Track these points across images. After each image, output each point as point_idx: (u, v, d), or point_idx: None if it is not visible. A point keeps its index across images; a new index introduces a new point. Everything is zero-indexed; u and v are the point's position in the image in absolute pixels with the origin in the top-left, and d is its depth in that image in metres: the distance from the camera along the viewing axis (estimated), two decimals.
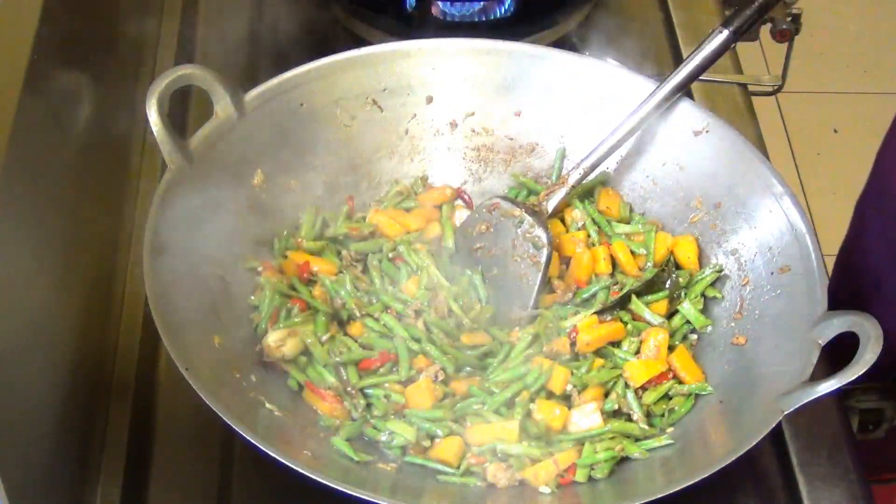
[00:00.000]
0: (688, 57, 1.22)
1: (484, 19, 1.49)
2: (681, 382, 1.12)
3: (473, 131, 1.30)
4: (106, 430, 1.14)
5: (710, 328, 1.17)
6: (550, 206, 1.22)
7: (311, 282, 1.19)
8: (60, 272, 1.07)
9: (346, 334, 1.15)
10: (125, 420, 1.15)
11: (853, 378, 0.97)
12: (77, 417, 1.09)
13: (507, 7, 1.49)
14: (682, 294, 1.19)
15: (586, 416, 1.09)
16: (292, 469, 0.95)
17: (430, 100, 1.29)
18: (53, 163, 1.07)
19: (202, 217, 1.14)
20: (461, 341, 1.15)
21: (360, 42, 1.47)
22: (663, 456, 1.07)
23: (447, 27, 1.48)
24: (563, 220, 1.26)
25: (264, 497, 1.13)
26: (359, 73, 1.25)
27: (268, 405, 1.06)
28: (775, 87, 1.53)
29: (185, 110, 1.39)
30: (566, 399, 1.12)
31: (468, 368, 1.14)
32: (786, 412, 0.99)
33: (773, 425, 0.99)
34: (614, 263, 1.22)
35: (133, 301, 1.23)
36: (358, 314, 1.15)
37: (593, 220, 1.25)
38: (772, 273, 1.14)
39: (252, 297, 1.16)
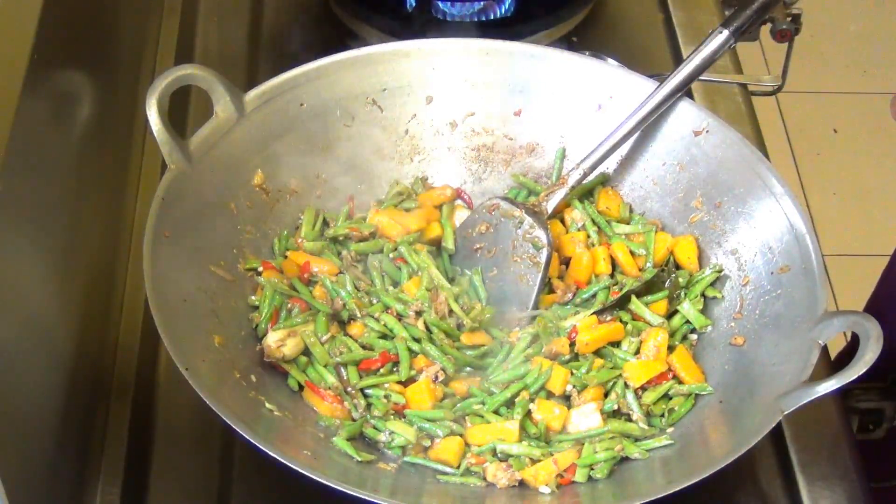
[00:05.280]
0: (688, 57, 1.22)
1: (484, 19, 1.49)
2: (681, 382, 1.12)
3: (473, 131, 1.30)
4: (106, 430, 1.14)
5: (709, 328, 1.17)
6: (550, 206, 1.22)
7: (311, 282, 1.19)
8: (60, 272, 1.07)
9: (346, 334, 1.15)
10: (125, 420, 1.15)
11: (853, 378, 0.97)
12: (77, 417, 1.09)
13: (507, 7, 1.49)
14: (682, 294, 1.19)
15: (586, 417, 1.09)
16: (292, 469, 0.95)
17: (430, 100, 1.29)
18: (53, 163, 1.07)
19: (202, 217, 1.14)
20: (461, 341, 1.15)
21: (360, 42, 1.47)
22: (663, 456, 1.07)
23: (447, 27, 1.48)
24: (562, 221, 1.26)
25: (264, 497, 1.13)
26: (359, 73, 1.25)
27: (268, 405, 1.06)
28: (775, 87, 1.53)
29: (185, 110, 1.39)
30: (566, 399, 1.12)
31: (468, 368, 1.14)
32: (786, 412, 0.99)
33: (773, 425, 0.99)
34: (614, 264, 1.22)
35: (133, 301, 1.23)
36: (358, 314, 1.15)
37: (593, 220, 1.25)
38: (772, 273, 1.14)
39: (252, 297, 1.16)
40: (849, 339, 1.64)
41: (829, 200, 2.85)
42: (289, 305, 1.15)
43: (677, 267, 1.21)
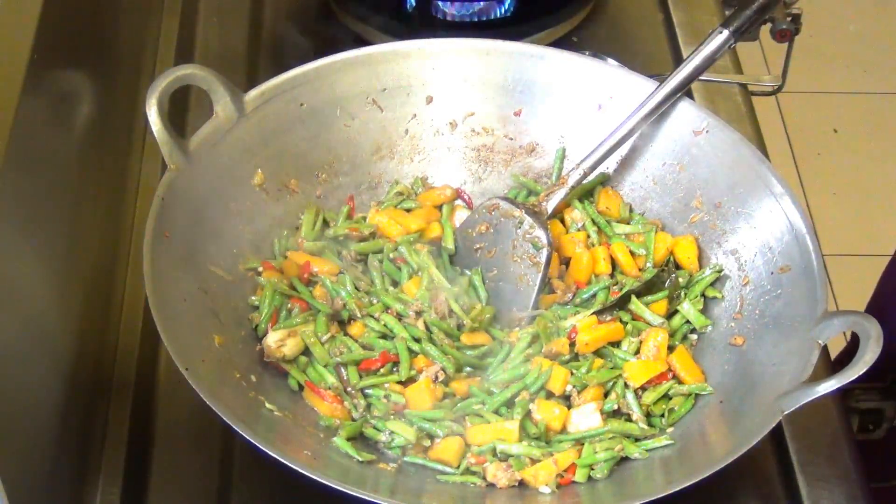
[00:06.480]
0: (688, 57, 1.22)
1: (484, 19, 1.49)
2: (681, 382, 1.12)
3: (473, 131, 1.30)
4: (106, 430, 1.14)
5: (710, 328, 1.17)
6: (550, 206, 1.22)
7: (311, 282, 1.19)
8: (60, 272, 1.07)
9: (346, 334, 1.15)
10: (125, 420, 1.15)
11: (853, 378, 0.97)
12: (77, 417, 1.09)
13: (507, 7, 1.49)
14: (682, 294, 1.19)
15: (586, 417, 1.09)
16: (292, 469, 0.95)
17: (430, 100, 1.29)
18: (53, 163, 1.07)
19: (202, 217, 1.14)
20: (461, 341, 1.15)
21: (360, 42, 1.47)
22: (663, 456, 1.07)
23: (447, 27, 1.48)
24: (562, 221, 1.26)
25: (264, 497, 1.13)
26: (359, 73, 1.25)
27: (268, 405, 1.06)
28: (775, 87, 1.53)
29: (185, 110, 1.39)
30: (566, 399, 1.12)
31: (468, 368, 1.14)
32: (786, 412, 0.99)
33: (773, 425, 0.99)
34: (614, 264, 1.22)
35: (133, 301, 1.23)
36: (359, 314, 1.15)
37: (593, 220, 1.25)
38: (772, 273, 1.14)
39: (252, 297, 1.16)
40: (848, 339, 1.64)
41: (829, 200, 2.85)
42: (289, 305, 1.15)
43: (677, 267, 1.21)
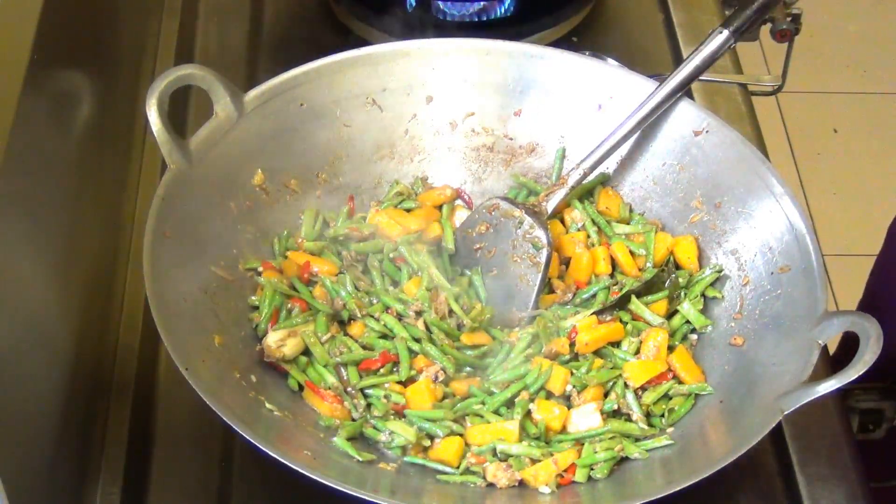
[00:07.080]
0: (688, 57, 1.22)
1: (484, 19, 1.49)
2: (681, 382, 1.12)
3: (473, 131, 1.30)
4: (106, 430, 1.14)
5: (709, 328, 1.17)
6: (550, 206, 1.22)
7: (311, 282, 1.19)
8: (60, 272, 1.07)
9: (346, 334, 1.15)
10: (125, 420, 1.15)
11: (853, 378, 0.97)
12: (77, 417, 1.09)
13: (507, 7, 1.49)
14: (682, 294, 1.19)
15: (586, 417, 1.09)
16: (292, 469, 0.95)
17: (430, 100, 1.29)
18: (53, 163, 1.07)
19: (202, 217, 1.14)
20: (461, 341, 1.15)
21: (360, 42, 1.47)
22: (663, 456, 1.07)
23: (447, 27, 1.48)
24: (562, 221, 1.26)
25: (264, 497, 1.13)
26: (359, 73, 1.25)
27: (268, 405, 1.06)
28: (775, 87, 1.53)
29: (185, 110, 1.39)
30: (566, 399, 1.12)
31: (468, 368, 1.14)
32: (786, 412, 0.99)
33: (773, 425, 0.99)
34: (614, 264, 1.22)
35: (133, 301, 1.23)
36: (359, 314, 1.15)
37: (593, 220, 1.25)
38: (772, 273, 1.14)
39: (252, 297, 1.16)
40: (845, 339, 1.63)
41: (829, 200, 2.85)
42: (289, 305, 1.15)
43: (677, 267, 1.21)
